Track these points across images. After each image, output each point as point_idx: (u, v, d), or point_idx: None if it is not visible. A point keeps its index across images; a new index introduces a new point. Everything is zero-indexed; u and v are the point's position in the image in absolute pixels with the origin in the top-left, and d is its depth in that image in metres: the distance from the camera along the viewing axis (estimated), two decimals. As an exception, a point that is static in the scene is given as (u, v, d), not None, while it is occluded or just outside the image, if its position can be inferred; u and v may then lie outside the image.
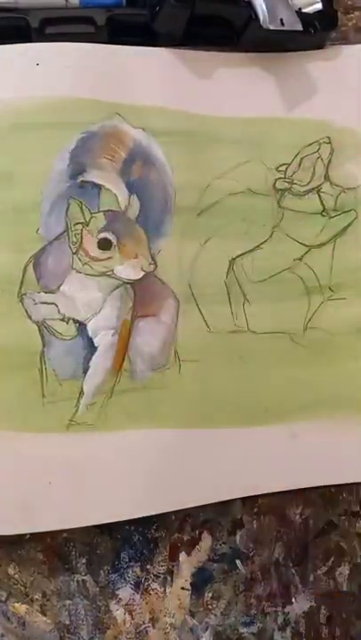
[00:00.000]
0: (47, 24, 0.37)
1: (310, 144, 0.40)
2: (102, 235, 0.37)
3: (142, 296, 0.37)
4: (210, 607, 0.38)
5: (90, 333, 0.37)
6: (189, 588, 0.38)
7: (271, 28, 0.35)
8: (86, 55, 0.37)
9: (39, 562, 0.37)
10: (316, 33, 0.38)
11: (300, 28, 0.36)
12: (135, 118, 0.38)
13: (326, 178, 0.40)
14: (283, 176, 0.39)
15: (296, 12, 0.37)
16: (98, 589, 0.37)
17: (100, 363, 0.37)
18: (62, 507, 0.35)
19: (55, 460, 0.36)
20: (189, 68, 0.39)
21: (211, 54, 0.39)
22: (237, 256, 0.39)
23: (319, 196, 0.40)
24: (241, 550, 0.38)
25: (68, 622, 0.37)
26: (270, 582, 0.38)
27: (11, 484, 0.35)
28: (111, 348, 0.37)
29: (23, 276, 0.36)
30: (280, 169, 0.39)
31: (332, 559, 0.39)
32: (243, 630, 0.38)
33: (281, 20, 0.36)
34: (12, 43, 0.37)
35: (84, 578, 0.37)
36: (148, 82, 0.38)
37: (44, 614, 0.37)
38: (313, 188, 0.40)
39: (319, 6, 0.38)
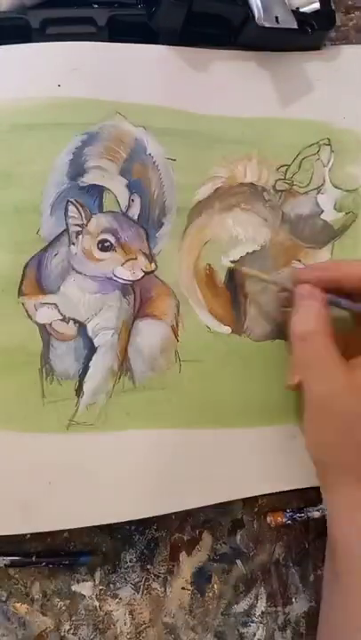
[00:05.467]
0: (47, 24, 0.37)
1: (310, 145, 0.40)
2: (102, 236, 0.37)
3: (142, 296, 0.37)
4: (210, 607, 0.38)
5: (90, 334, 0.37)
6: (190, 587, 0.38)
7: (266, 25, 0.36)
8: (86, 54, 0.37)
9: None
10: (313, 32, 0.38)
11: (294, 25, 0.36)
12: (136, 117, 0.38)
13: (326, 179, 0.40)
14: (283, 177, 0.39)
15: (294, 11, 0.37)
16: (98, 589, 0.37)
17: (100, 363, 0.37)
18: (62, 507, 0.35)
19: (55, 460, 0.36)
20: (190, 66, 0.39)
21: (212, 52, 0.39)
22: (238, 257, 0.39)
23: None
24: (241, 550, 0.38)
25: (68, 622, 0.37)
26: (270, 582, 0.38)
27: (11, 484, 0.35)
28: (111, 349, 0.37)
29: (23, 277, 0.36)
30: (280, 170, 0.39)
31: (333, 559, 0.39)
32: (243, 630, 0.38)
33: (276, 17, 0.36)
34: (12, 43, 0.37)
35: (85, 577, 0.37)
36: (149, 81, 0.38)
37: (44, 614, 0.37)
38: (313, 190, 0.40)
39: (317, 6, 0.38)
